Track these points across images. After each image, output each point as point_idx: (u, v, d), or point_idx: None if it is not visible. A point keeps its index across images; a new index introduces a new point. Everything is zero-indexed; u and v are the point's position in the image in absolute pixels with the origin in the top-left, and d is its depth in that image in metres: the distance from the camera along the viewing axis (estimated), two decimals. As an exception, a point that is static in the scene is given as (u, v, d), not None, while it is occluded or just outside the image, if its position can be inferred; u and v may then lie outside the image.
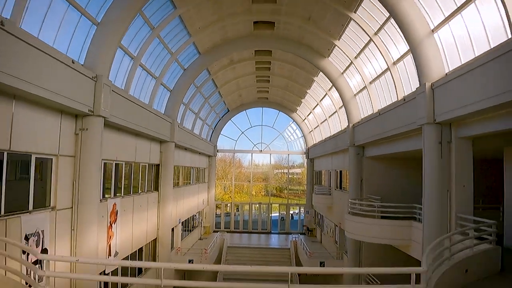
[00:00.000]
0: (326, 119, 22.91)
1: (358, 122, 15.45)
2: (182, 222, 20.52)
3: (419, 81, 9.20)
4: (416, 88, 9.35)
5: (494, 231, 7.19)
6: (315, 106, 24.17)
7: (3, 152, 6.47)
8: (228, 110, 29.80)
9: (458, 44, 8.55)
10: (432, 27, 8.96)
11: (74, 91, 7.83)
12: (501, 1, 6.73)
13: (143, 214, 13.83)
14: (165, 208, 15.85)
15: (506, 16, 6.70)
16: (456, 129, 8.60)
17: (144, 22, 10.91)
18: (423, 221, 9.16)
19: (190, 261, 18.60)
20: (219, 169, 32.88)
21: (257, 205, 30.97)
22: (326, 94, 20.08)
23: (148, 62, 12.79)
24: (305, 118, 28.94)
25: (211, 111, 25.76)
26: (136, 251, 13.08)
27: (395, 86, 11.77)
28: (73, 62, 7.69)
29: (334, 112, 20.43)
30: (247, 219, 31.30)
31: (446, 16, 8.42)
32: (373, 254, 13.88)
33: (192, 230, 23.71)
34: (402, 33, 9.38)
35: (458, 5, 7.97)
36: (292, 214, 33.27)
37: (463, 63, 8.16)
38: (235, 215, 30.92)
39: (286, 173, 33.37)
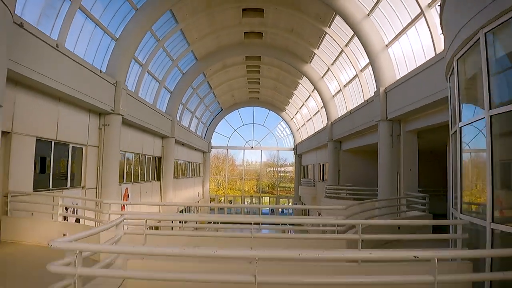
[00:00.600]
0: (311, 117, 25.19)
1: (335, 120, 17.72)
2: (180, 211, 22.57)
3: (376, 86, 11.45)
4: (374, 92, 11.61)
5: (426, 202, 9.43)
6: (301, 106, 26.43)
7: (51, 141, 8.50)
8: (222, 109, 31.87)
9: (406, 56, 10.82)
10: (386, 43, 11.22)
11: (101, 94, 9.88)
12: (428, 27, 9.00)
13: (148, 199, 15.89)
14: (166, 196, 17.91)
15: (431, 38, 8.96)
16: (404, 124, 10.87)
17: (152, 35, 12.96)
18: (379, 197, 11.42)
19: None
20: (212, 166, 34.97)
21: (249, 199, 33.17)
22: (310, 95, 22.33)
23: (153, 67, 14.84)
24: (293, 117, 31.19)
25: (206, 110, 27.84)
26: (142, 231, 15.13)
27: (362, 90, 14.05)
28: (100, 72, 9.75)
29: (317, 112, 22.71)
30: (239, 212, 33.41)
31: (396, 34, 10.68)
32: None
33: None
34: (363, 47, 11.62)
35: (404, 25, 10.24)
36: (282, 209, 35.55)
37: (407, 72, 10.42)
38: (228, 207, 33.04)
39: (277, 171, 35.61)
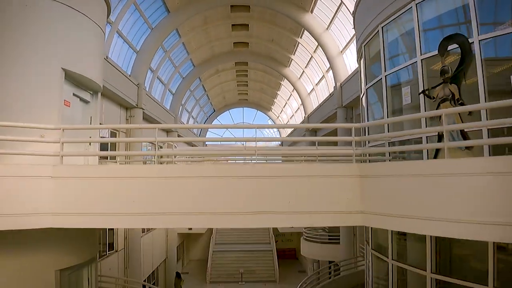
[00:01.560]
0: (293, 114, 28.92)
1: (311, 112, 21.43)
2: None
3: (335, 82, 15.17)
4: (334, 87, 15.32)
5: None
6: (285, 105, 30.16)
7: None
8: (214, 110, 35.39)
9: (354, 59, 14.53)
10: (340, 49, 14.95)
11: (129, 92, 13.31)
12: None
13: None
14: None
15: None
16: (355, 109, 14.56)
17: (160, 47, 16.46)
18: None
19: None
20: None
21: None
22: (291, 94, 26.05)
23: (160, 72, 18.30)
24: (278, 116, 34.89)
25: (200, 111, 31.33)
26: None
27: (328, 86, 17.79)
28: (129, 76, 13.21)
29: (298, 109, 26.42)
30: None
31: (347, 42, 14.41)
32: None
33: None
34: (325, 53, 15.36)
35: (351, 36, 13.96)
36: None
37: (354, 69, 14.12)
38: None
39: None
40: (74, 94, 6.81)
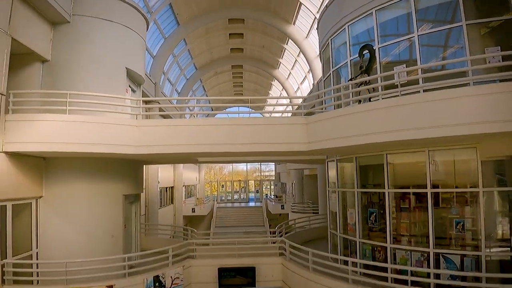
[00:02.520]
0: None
1: (297, 108, 24.94)
2: (185, 187, 29.20)
3: (313, 79, 18.71)
4: (312, 84, 18.87)
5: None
6: (276, 103, 33.69)
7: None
8: (212, 110, 38.76)
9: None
10: (317, 54, 18.51)
11: (148, 89, 16.70)
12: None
13: (169, 169, 22.63)
14: (178, 171, 24.63)
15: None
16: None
17: (171, 53, 19.91)
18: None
19: (193, 209, 27.38)
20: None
21: (237, 182, 40.04)
22: (281, 93, 29.59)
23: (169, 74, 21.74)
24: (270, 114, 38.35)
25: (200, 109, 34.70)
26: (166, 187, 21.89)
27: (309, 84, 21.36)
28: (149, 76, 16.64)
29: (286, 107, 29.95)
30: (230, 194, 40.18)
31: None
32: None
33: (190, 196, 32.41)
34: (305, 57, 18.92)
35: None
36: (266, 195, 42.57)
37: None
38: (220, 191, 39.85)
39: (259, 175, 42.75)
40: (129, 85, 10.27)
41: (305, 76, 21.80)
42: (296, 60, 21.80)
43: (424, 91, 6.71)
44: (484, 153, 6.78)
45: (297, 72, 23.31)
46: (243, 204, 35.88)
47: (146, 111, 9.84)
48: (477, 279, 6.56)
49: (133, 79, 10.54)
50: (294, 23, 18.44)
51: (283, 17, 18.31)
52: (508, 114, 5.47)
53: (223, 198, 39.29)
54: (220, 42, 22.74)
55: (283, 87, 26.44)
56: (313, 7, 15.96)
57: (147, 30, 11.30)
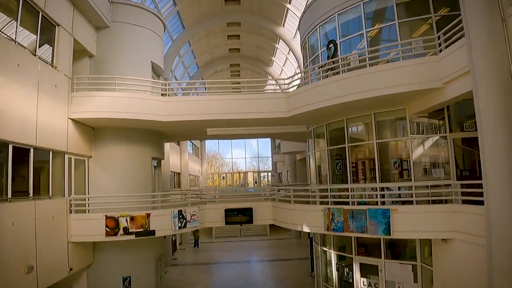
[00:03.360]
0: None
1: (290, 101, 27.92)
2: (189, 175, 32.06)
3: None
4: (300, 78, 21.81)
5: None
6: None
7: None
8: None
9: (314, 58, 21.11)
10: (304, 51, 21.47)
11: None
12: (316, 43, 19.31)
13: (176, 157, 25.53)
14: (184, 160, 27.52)
15: (318, 48, 19.26)
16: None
17: (178, 54, 22.86)
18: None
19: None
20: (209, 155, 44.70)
21: (237, 174, 42.94)
22: (275, 90, 32.51)
23: (174, 71, 24.67)
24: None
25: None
26: (175, 172, 24.77)
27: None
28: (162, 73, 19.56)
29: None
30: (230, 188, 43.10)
31: (308, 47, 20.94)
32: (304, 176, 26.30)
33: (194, 185, 35.27)
34: (293, 54, 21.88)
35: (310, 43, 20.52)
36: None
37: (314, 65, 20.67)
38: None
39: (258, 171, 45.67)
40: (152, 76, 13.22)
41: (295, 71, 24.75)
42: (286, 57, 24.76)
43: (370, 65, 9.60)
44: (411, 111, 9.71)
45: (288, 68, 26.26)
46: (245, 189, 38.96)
47: (166, 91, 12.68)
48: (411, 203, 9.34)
49: (155, 70, 13.49)
50: (283, 25, 21.43)
51: (274, 20, 21.29)
52: (422, 78, 8.29)
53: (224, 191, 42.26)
54: (220, 43, 25.71)
55: (276, 83, 29.33)
56: (297, 11, 18.92)
57: (164, 32, 14.27)
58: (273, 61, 27.39)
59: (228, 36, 24.84)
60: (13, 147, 7.54)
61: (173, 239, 23.06)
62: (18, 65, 7.68)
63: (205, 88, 34.58)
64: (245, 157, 46.54)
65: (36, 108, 8.29)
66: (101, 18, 11.31)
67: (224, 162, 47.73)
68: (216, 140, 44.37)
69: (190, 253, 24.03)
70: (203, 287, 15.93)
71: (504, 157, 5.93)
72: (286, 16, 20.42)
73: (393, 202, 9.50)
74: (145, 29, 12.60)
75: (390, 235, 8.32)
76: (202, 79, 31.08)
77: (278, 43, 24.25)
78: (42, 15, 8.81)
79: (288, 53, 24.15)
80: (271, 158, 42.66)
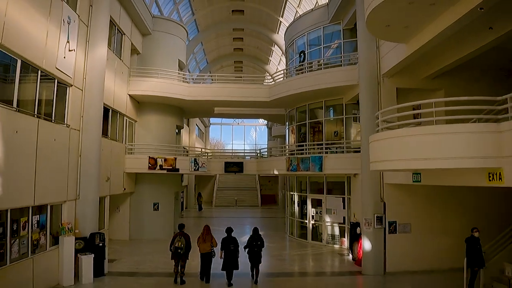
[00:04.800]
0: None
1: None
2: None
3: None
4: (289, 75, 27.30)
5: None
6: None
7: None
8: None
9: (301, 60, 26.56)
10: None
11: (178, 74, 25.12)
12: (302, 49, 24.81)
13: (185, 134, 31.07)
14: (192, 138, 33.08)
15: (303, 53, 24.73)
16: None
17: (192, 52, 28.29)
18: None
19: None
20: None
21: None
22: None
23: (188, 65, 30.11)
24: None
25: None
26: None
27: (289, 76, 29.82)
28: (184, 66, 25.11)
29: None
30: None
31: (296, 51, 26.40)
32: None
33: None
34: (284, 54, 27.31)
35: (298, 48, 25.97)
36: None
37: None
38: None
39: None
40: (178, 69, 18.77)
41: (277, 69, 30.19)
42: (280, 58, 30.17)
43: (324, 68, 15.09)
44: (346, 99, 15.18)
45: (282, 66, 31.66)
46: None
47: (187, 80, 18.16)
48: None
49: (180, 65, 19.01)
50: (278, 33, 26.84)
51: (270, 28, 26.71)
52: (349, 78, 13.66)
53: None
54: (226, 44, 31.17)
55: (273, 80, 34.75)
56: (287, 23, 24.32)
57: (186, 37, 19.77)
58: (270, 60, 32.85)
59: (233, 38, 30.32)
60: (108, 109, 13.12)
61: (182, 201, 28.70)
62: (107, 59, 13.20)
63: (211, 79, 40.39)
64: (244, 144, 52.01)
65: (114, 85, 13.84)
66: (147, 28, 16.82)
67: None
68: (219, 130, 50.09)
69: (195, 213, 29.69)
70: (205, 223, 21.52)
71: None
72: (279, 27, 25.86)
73: (326, 152, 15.03)
74: (174, 36, 18.11)
75: (322, 171, 13.87)
76: (210, 72, 36.65)
77: (274, 46, 29.70)
78: (117, 28, 14.32)
79: (281, 55, 29.60)
80: (267, 146, 48.18)
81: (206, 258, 9.65)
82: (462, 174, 7.26)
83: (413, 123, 7.83)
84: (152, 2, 18.13)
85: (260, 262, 9.80)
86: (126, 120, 15.70)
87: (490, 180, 6.51)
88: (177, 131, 18.88)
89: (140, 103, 16.97)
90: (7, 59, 7.77)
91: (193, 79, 23.65)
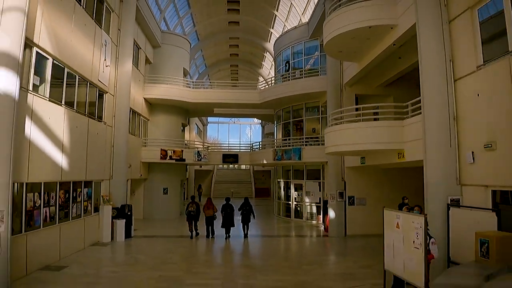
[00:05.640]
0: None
1: (274, 96, 36.77)
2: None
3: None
4: (280, 79, 30.71)
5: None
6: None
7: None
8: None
9: (289, 66, 29.96)
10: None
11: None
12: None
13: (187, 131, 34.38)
14: (192, 136, 36.37)
15: (291, 60, 28.13)
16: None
17: (193, 58, 31.55)
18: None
19: (200, 166, 39.09)
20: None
21: (232, 155, 52.00)
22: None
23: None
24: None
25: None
26: (185, 143, 33.66)
27: (280, 79, 33.23)
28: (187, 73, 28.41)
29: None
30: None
31: (286, 58, 29.74)
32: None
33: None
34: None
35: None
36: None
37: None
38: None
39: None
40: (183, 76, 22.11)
41: (266, 78, 33.55)
42: (272, 63, 33.54)
43: (303, 76, 18.44)
44: (321, 102, 18.56)
45: (273, 71, 35.02)
46: (236, 167, 47.82)
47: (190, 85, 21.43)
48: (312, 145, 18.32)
49: (184, 72, 22.32)
50: (269, 41, 30.18)
51: (263, 37, 30.06)
52: (322, 86, 17.05)
53: (221, 167, 51.18)
54: (223, 50, 34.48)
55: (266, 83, 38.12)
56: (277, 34, 27.71)
57: (190, 48, 23.09)
58: (263, 64, 36.22)
59: (230, 45, 33.63)
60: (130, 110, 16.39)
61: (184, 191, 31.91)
62: (130, 71, 16.46)
63: (210, 84, 43.68)
64: (240, 143, 55.30)
65: (134, 91, 17.13)
66: (157, 42, 20.11)
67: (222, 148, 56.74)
68: (216, 129, 53.40)
69: (195, 203, 33.00)
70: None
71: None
72: (270, 36, 29.24)
73: (305, 145, 18.39)
74: (180, 48, 21.42)
75: (301, 160, 17.26)
76: (208, 76, 40.04)
77: (266, 53, 33.06)
78: (135, 44, 17.59)
79: (273, 60, 32.96)
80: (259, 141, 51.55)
81: (210, 220, 13.12)
82: (385, 155, 10.68)
83: (352, 120, 11.24)
84: (161, 18, 21.42)
85: (250, 221, 13.28)
86: (142, 119, 18.99)
87: (398, 158, 9.93)
88: (182, 128, 22.20)
89: (152, 104, 20.25)
90: (72, 76, 11.08)
91: (193, 82, 26.95)
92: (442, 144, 7.35)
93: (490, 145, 6.35)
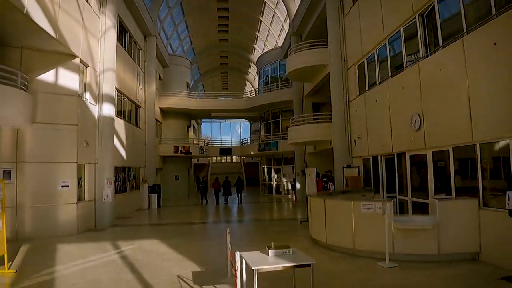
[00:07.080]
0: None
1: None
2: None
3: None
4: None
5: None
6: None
7: (174, 99, 33.20)
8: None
9: (271, 74, 36.28)
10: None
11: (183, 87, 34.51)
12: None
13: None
14: (190, 134, 42.52)
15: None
16: (271, 94, 36.30)
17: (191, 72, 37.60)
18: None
19: (198, 159, 45.35)
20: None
21: (225, 150, 58.27)
22: (250, 94, 47.67)
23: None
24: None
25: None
26: (185, 141, 39.92)
27: (264, 85, 39.62)
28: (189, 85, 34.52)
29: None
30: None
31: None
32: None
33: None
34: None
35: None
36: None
37: (270, 79, 35.80)
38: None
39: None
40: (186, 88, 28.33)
41: (252, 88, 39.90)
42: (256, 71, 39.82)
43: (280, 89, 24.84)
44: (293, 107, 25.04)
45: (257, 79, 41.29)
46: (229, 160, 54.18)
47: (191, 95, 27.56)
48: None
49: (186, 85, 28.51)
50: (253, 54, 36.46)
51: (248, 50, 36.33)
52: (290, 96, 23.46)
53: (215, 160, 57.45)
54: (215, 60, 40.62)
55: (252, 86, 44.46)
56: (260, 50, 34.00)
57: (191, 66, 29.25)
58: (249, 71, 42.54)
59: (220, 56, 39.86)
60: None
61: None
62: (155, 90, 22.54)
63: (204, 90, 49.81)
64: (231, 140, 61.52)
65: (155, 103, 23.27)
66: (167, 63, 26.21)
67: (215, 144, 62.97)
68: (210, 127, 59.53)
69: (194, 190, 39.26)
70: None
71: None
72: (254, 50, 35.60)
73: (281, 139, 24.87)
74: (183, 66, 27.58)
75: (278, 150, 23.74)
76: (202, 82, 46.23)
77: (251, 62, 39.37)
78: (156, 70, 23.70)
79: (256, 73, 39.28)
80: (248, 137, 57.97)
81: (217, 192, 19.63)
82: (323, 144, 17.21)
83: (304, 122, 17.68)
84: (168, 44, 27.51)
85: (241, 192, 19.79)
86: (157, 122, 25.17)
87: (330, 145, 16.45)
88: (187, 128, 28.45)
89: (164, 111, 26.41)
90: (125, 100, 17.26)
91: (197, 94, 33.08)
92: (342, 136, 13.88)
93: (360, 136, 12.87)
